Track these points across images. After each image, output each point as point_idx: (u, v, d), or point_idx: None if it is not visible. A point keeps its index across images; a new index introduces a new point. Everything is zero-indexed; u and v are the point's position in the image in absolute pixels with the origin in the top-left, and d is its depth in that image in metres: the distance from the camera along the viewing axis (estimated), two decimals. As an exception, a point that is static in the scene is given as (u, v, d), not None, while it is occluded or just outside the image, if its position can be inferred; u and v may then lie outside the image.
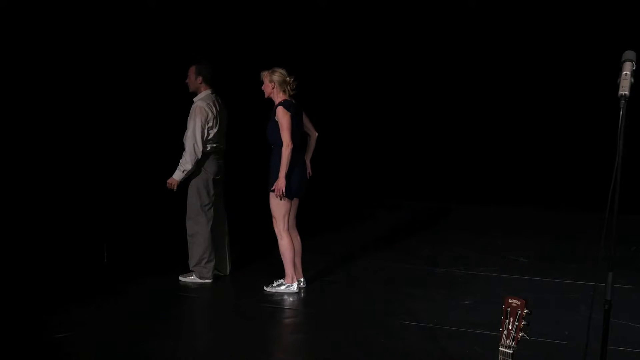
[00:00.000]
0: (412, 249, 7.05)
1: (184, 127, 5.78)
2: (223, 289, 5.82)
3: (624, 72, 2.90)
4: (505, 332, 2.44)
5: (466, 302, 5.35)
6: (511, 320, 2.44)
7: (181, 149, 5.75)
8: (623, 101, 2.84)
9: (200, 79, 5.74)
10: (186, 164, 5.65)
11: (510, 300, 2.45)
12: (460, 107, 9.31)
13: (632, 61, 2.92)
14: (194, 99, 5.77)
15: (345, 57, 9.39)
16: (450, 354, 4.31)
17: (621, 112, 2.83)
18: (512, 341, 2.43)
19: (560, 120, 8.79)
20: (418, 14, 9.11)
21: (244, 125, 7.09)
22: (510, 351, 2.43)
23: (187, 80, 5.79)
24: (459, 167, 9.32)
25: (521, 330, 2.44)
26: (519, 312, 2.43)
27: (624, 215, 2.96)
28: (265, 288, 5.59)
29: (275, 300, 5.44)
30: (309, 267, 5.86)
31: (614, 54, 3.32)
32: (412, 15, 9.13)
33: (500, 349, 2.43)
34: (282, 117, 5.29)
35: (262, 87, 5.44)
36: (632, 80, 2.90)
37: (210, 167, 5.76)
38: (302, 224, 5.73)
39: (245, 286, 5.81)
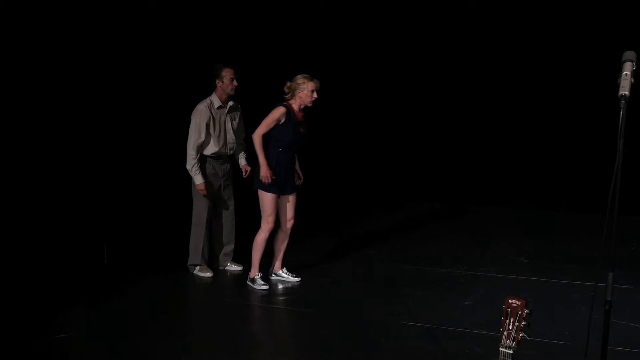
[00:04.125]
0: (413, 249, 7.05)
1: (183, 127, 5.82)
2: (223, 288, 5.82)
3: (624, 73, 2.90)
4: (505, 333, 2.44)
5: (466, 303, 5.35)
6: (511, 320, 2.44)
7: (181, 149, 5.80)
8: (623, 101, 2.84)
9: None
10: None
11: (510, 301, 2.45)
12: (461, 107, 9.30)
13: (632, 61, 2.92)
14: (233, 101, 5.99)
15: (345, 58, 9.39)
16: (451, 355, 4.31)
17: (621, 112, 2.83)
18: (513, 341, 2.43)
19: (561, 120, 8.78)
20: (418, 14, 9.10)
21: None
22: (511, 351, 2.43)
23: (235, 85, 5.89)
24: (459, 168, 9.31)
25: (521, 330, 2.44)
26: (520, 312, 2.43)
27: (624, 216, 2.96)
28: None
29: (275, 300, 5.45)
30: (308, 266, 5.85)
31: (614, 54, 3.32)
32: (412, 15, 9.13)
33: (500, 349, 2.44)
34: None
35: (315, 96, 5.47)
36: (633, 80, 2.90)
37: None
38: (303, 223, 5.74)
39: (245, 285, 5.81)
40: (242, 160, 6.15)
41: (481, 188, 9.05)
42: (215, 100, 5.89)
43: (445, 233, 7.78)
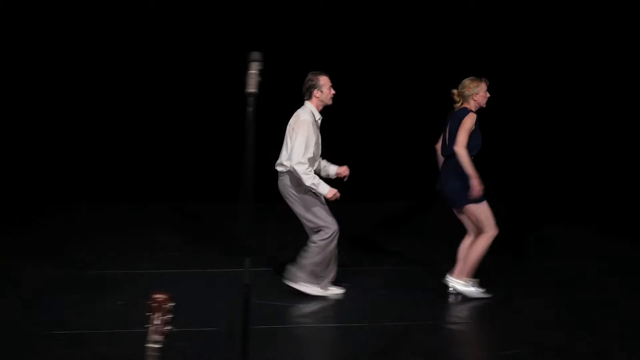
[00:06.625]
0: (65, 252, 6.66)
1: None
2: None
3: (251, 72, 3.19)
4: (152, 328, 2.46)
5: (119, 303, 5.28)
6: (158, 315, 2.47)
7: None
8: (251, 99, 3.13)
9: None
10: None
11: (155, 296, 2.48)
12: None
13: (257, 61, 3.22)
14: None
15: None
16: (105, 358, 4.24)
17: (249, 109, 3.12)
18: (160, 335, 2.46)
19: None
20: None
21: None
22: (158, 346, 2.46)
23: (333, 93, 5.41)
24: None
25: (168, 323, 2.48)
26: (165, 306, 2.48)
27: (259, 204, 3.22)
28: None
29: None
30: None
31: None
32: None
33: (147, 345, 2.45)
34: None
35: (488, 95, 5.38)
36: (260, 78, 3.20)
37: None
38: None
39: None
40: (331, 168, 5.57)
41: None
42: (315, 112, 5.36)
43: (96, 233, 7.51)
